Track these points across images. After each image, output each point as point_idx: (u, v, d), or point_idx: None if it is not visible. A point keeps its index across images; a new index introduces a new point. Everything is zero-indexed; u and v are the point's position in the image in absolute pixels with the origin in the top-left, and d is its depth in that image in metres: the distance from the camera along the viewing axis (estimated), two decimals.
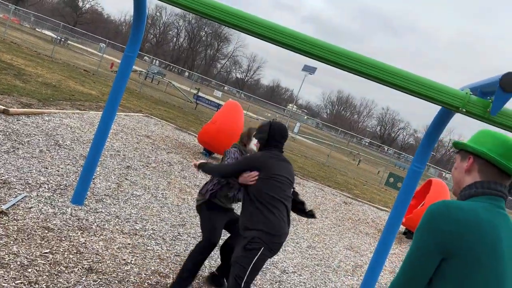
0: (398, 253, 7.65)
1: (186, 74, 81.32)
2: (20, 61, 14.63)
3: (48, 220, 3.80)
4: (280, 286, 4.33)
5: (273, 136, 2.94)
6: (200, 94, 25.65)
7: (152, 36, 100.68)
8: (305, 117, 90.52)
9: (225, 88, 73.53)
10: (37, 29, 53.26)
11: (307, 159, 19.99)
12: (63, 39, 43.20)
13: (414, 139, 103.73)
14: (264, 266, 4.71)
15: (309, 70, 22.31)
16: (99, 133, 4.38)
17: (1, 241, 3.19)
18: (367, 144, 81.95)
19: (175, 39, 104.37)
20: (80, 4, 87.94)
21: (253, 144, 3.57)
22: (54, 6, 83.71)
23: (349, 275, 5.48)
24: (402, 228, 9.49)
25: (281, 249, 5.52)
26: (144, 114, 12.72)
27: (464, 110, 2.68)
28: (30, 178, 4.58)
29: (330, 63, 2.90)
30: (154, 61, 63.73)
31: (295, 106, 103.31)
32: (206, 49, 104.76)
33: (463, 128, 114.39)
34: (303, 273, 4.98)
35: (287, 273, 4.79)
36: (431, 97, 2.66)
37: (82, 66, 23.94)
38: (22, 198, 4.02)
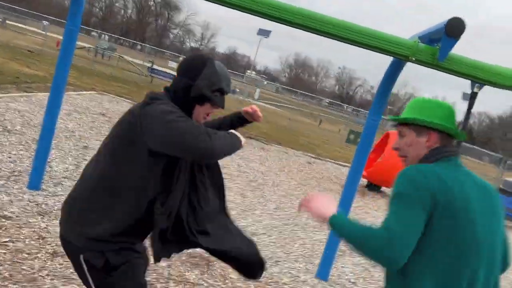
0: (361, 206, 7.96)
1: (138, 47, 78.39)
2: None
3: (4, 208, 3.64)
4: None
5: None
6: (154, 66, 24.87)
7: (98, 9, 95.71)
8: (265, 83, 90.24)
9: (180, 58, 71.68)
10: None
11: (270, 124, 20.10)
12: (0, 20, 40.29)
13: (371, 95, 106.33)
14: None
15: (264, 34, 22.02)
16: (48, 113, 4.18)
17: None
18: (327, 104, 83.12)
19: (122, 11, 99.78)
20: None
21: None
22: None
23: (317, 231, 5.65)
24: (364, 181, 9.84)
25: (249, 212, 5.61)
26: (98, 92, 12.25)
27: (413, 58, 2.73)
28: None
29: (283, 21, 2.84)
30: (103, 36, 60.89)
31: (253, 72, 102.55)
32: (156, 20, 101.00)
33: (416, 81, 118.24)
34: (273, 234, 5.09)
35: (256, 235, 4.88)
36: (381, 48, 2.69)
37: (25, 46, 22.53)
38: None
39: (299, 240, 5.16)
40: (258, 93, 44.74)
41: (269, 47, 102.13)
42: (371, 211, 7.77)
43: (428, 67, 2.79)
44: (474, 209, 1.41)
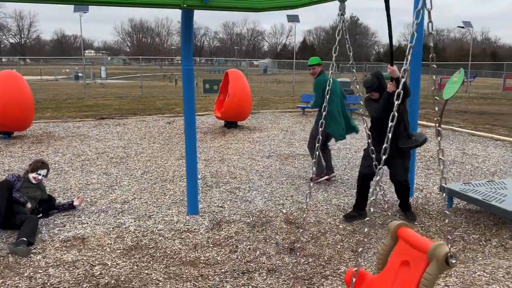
0: (223, 144, 8.67)
1: None
2: None
3: None
4: (123, 216, 4.72)
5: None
6: None
7: None
8: (109, 58, 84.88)
9: (3, 60, 62.92)
10: None
11: (122, 99, 19.58)
12: None
13: (219, 41, 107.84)
14: (104, 206, 4.99)
15: (81, 9, 20.31)
16: None
17: None
18: (179, 62, 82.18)
19: None
20: None
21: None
22: None
23: (184, 179, 6.13)
24: (221, 122, 10.57)
25: (116, 186, 5.83)
26: None
27: (185, 5, 3.17)
28: None
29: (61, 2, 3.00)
30: None
31: (92, 51, 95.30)
32: None
33: (254, 15, 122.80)
34: (143, 195, 5.44)
35: (127, 202, 5.18)
36: (155, 3, 3.06)
37: None
38: None
39: (169, 192, 5.61)
40: (104, 71, 42.24)
41: (98, 21, 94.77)
42: (232, 145, 8.54)
43: (201, 9, 3.27)
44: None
